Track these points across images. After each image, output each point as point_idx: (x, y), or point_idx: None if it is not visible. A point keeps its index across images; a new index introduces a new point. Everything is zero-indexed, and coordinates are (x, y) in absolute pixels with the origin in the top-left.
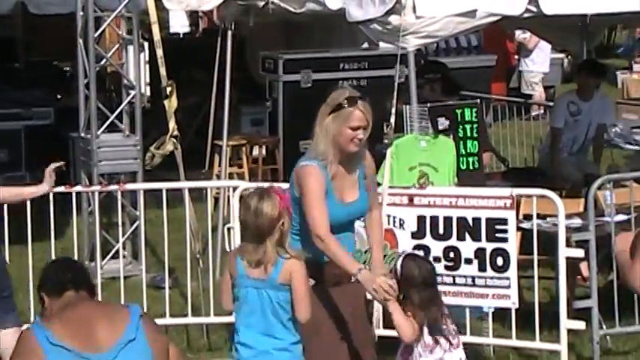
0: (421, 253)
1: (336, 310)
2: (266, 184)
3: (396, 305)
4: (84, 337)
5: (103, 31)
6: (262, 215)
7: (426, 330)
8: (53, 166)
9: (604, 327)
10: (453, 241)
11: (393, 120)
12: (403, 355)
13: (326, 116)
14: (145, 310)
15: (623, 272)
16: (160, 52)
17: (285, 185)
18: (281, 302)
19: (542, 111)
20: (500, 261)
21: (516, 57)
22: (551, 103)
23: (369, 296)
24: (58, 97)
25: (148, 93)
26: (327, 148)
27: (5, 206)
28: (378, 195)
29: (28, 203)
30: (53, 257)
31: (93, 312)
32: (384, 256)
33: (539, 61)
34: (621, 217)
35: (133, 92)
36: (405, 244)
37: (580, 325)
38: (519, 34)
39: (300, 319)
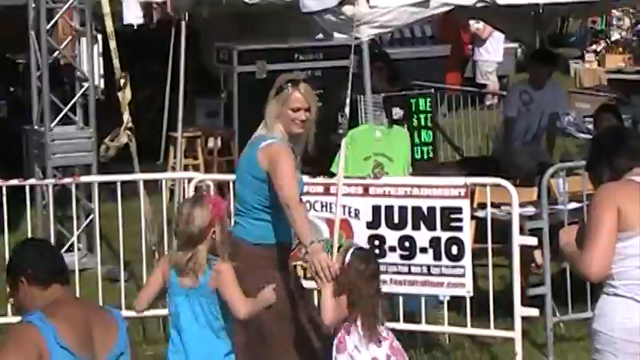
0: (376, 242)
1: (300, 297)
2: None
3: (328, 286)
4: (83, 341)
5: (56, 23)
6: (193, 223)
7: (359, 323)
8: None
9: (557, 314)
10: (408, 231)
11: (347, 110)
12: (338, 347)
13: (272, 99)
14: (101, 303)
15: (573, 262)
16: (113, 44)
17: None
18: (213, 311)
19: (496, 100)
20: (455, 250)
21: (470, 47)
22: (504, 93)
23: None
24: (11, 89)
25: (102, 85)
26: (278, 129)
27: None
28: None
29: None
30: (20, 242)
31: (89, 315)
32: (339, 246)
33: (494, 51)
34: (574, 205)
35: (86, 84)
36: (361, 234)
37: (534, 312)
38: (473, 24)
39: (238, 316)
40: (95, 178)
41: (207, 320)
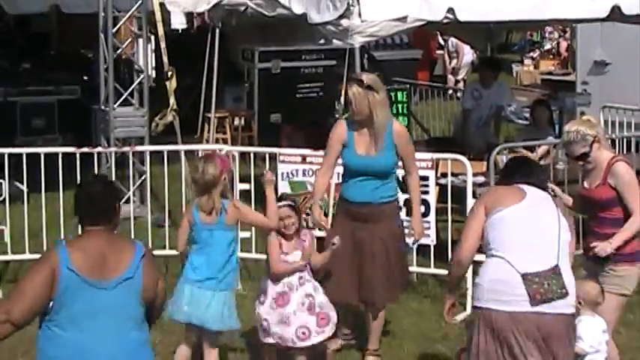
0: None
1: (355, 241)
2: (248, 149)
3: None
4: (94, 266)
5: (120, 27)
6: (207, 173)
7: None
8: None
9: None
10: None
11: (342, 99)
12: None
13: None
14: (150, 244)
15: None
16: (163, 44)
17: (260, 149)
18: (224, 242)
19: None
20: (422, 208)
21: (438, 52)
22: (462, 88)
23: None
24: (84, 78)
25: (154, 75)
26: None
27: (42, 160)
28: (414, 161)
29: (60, 160)
30: (87, 180)
31: (107, 246)
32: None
33: (465, 56)
34: None
35: (142, 75)
36: None
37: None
38: (452, 52)
39: (270, 227)
40: (147, 148)
41: (223, 248)
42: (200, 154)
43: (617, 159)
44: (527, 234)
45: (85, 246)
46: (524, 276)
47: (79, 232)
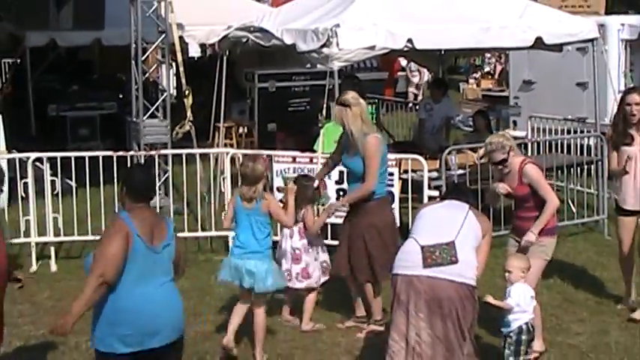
0: (341, 193)
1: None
2: (252, 152)
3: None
4: (148, 234)
5: (147, 56)
6: (257, 170)
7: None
8: None
9: None
10: None
11: (324, 111)
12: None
13: None
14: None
15: None
16: (181, 69)
17: (259, 152)
18: (260, 224)
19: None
20: (389, 198)
21: (399, 73)
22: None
23: None
24: (120, 96)
25: (174, 94)
26: None
27: (87, 161)
28: (370, 174)
29: (101, 162)
30: (135, 167)
31: (153, 219)
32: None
33: (424, 76)
34: (461, 172)
35: (165, 93)
36: (331, 187)
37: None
38: (414, 72)
39: (285, 226)
40: (170, 151)
41: (258, 228)
42: (211, 157)
43: (525, 162)
44: (432, 221)
45: (141, 217)
46: (422, 247)
47: (123, 208)
